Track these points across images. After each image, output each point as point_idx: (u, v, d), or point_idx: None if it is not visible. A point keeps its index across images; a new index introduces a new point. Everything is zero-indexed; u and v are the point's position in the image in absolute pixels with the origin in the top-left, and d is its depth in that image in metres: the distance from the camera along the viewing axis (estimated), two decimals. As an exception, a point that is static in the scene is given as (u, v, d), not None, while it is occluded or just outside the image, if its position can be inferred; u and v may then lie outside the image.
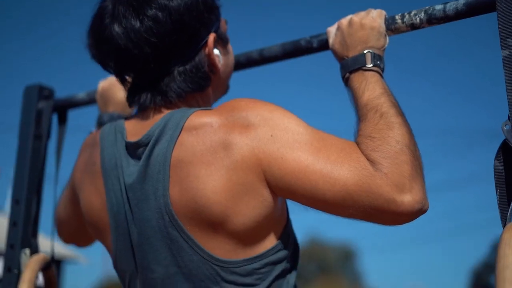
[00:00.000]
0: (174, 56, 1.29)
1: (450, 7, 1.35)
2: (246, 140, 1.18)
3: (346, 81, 1.39)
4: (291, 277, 1.32)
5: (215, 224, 1.21)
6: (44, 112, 1.97)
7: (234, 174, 1.18)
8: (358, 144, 1.21)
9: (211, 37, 1.34)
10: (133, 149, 1.30)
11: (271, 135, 1.18)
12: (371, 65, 1.35)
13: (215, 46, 1.36)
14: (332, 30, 1.48)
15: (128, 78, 1.38)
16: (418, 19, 1.39)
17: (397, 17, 1.42)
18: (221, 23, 1.41)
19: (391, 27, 1.42)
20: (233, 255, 1.24)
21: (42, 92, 1.99)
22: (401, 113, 1.26)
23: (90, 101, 1.94)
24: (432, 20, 1.38)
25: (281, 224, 1.30)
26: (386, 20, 1.42)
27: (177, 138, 1.23)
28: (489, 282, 42.15)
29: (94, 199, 1.39)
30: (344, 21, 1.43)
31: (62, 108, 2.01)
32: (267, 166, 1.18)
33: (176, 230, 1.24)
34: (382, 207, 1.13)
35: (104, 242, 1.43)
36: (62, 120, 2.02)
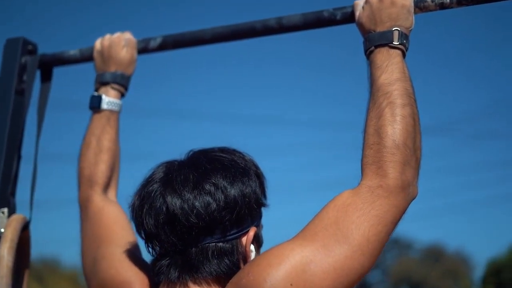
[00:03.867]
0: (215, 233, 1.27)
1: (483, -12, 1.41)
2: None
3: (369, 55, 1.42)
4: None
5: None
6: (28, 67, 1.88)
7: None
8: (362, 157, 1.30)
9: (253, 230, 1.32)
10: None
11: (291, 284, 1.18)
12: (398, 43, 1.39)
13: (252, 241, 1.32)
14: (359, 3, 1.49)
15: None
16: (448, -2, 1.44)
17: (427, -5, 1.46)
18: (261, 224, 1.39)
19: (419, 5, 1.46)
20: None
21: (26, 46, 1.90)
22: (410, 103, 1.33)
23: (83, 59, 1.86)
24: (462, 0, 1.43)
25: None
26: None
27: None
28: (367, 280, 43.82)
29: None
30: None
31: (47, 65, 1.92)
32: None
33: None
34: (391, 220, 1.25)
35: None
36: (47, 78, 1.93)
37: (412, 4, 1.44)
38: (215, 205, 1.25)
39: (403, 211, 1.27)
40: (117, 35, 1.81)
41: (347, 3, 1.58)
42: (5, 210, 1.74)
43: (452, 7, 1.45)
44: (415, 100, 1.35)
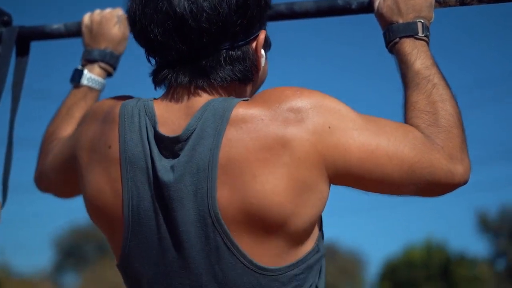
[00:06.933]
0: (226, 38, 1.19)
1: (506, -15, 1.42)
2: (306, 135, 1.12)
3: (393, 46, 1.41)
4: (322, 282, 1.26)
5: (270, 228, 1.13)
6: (4, 39, 1.73)
7: (296, 172, 1.12)
8: (413, 118, 1.26)
9: (263, 33, 1.26)
10: (169, 143, 1.17)
11: (329, 127, 1.14)
12: (422, 35, 1.38)
13: (262, 46, 1.27)
14: None
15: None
16: (470, -6, 1.45)
17: (448, -10, 1.46)
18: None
19: (440, 0, 1.45)
20: (277, 262, 1.16)
21: (1, 17, 1.75)
22: (449, 85, 1.33)
23: (68, 33, 1.74)
24: (483, -3, 1.44)
25: (320, 219, 1.25)
26: None
27: (224, 133, 1.13)
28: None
29: (106, 187, 1.21)
30: None
31: (25, 39, 1.78)
32: (331, 160, 1.14)
33: (220, 235, 1.13)
34: (440, 179, 1.20)
35: (110, 234, 1.26)
36: (24, 53, 1.79)
37: None
38: (226, 7, 1.16)
39: (455, 186, 1.22)
40: (108, 10, 1.72)
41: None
42: (-22, 195, 1.61)
43: (472, 4, 1.45)
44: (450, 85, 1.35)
